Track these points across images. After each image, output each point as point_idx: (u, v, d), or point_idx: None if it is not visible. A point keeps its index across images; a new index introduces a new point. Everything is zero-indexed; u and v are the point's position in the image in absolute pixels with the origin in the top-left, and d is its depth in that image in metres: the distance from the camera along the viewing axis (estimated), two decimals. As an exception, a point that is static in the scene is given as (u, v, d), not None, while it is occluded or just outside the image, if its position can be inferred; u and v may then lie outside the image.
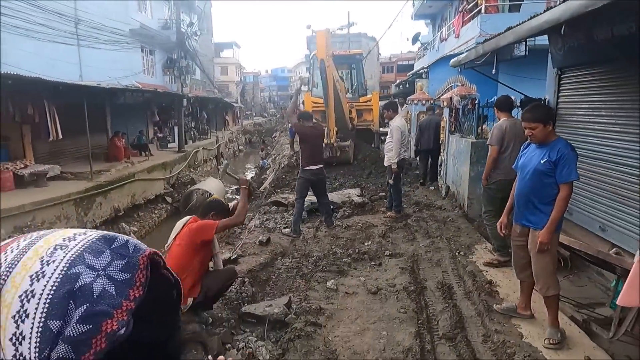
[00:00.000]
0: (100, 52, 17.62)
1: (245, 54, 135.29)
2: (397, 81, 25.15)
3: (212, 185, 15.90)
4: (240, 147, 31.24)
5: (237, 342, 3.36)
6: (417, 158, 10.20)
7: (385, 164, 6.64)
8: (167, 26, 21.11)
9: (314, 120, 6.39)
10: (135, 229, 12.24)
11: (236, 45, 48.71)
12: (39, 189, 10.13)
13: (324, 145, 6.19)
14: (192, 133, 21.89)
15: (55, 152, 12.52)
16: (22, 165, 10.62)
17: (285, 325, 3.46)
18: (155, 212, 14.17)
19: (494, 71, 5.68)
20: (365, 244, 5.56)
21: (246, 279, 4.28)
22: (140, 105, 17.24)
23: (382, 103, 12.53)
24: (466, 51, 9.93)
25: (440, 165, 8.44)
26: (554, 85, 6.11)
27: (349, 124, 12.07)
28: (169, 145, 18.23)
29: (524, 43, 6.18)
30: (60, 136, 11.28)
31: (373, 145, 13.34)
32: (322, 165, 6.20)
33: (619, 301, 2.25)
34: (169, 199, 15.32)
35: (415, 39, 17.79)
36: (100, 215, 10.89)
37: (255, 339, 3.38)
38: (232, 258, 4.77)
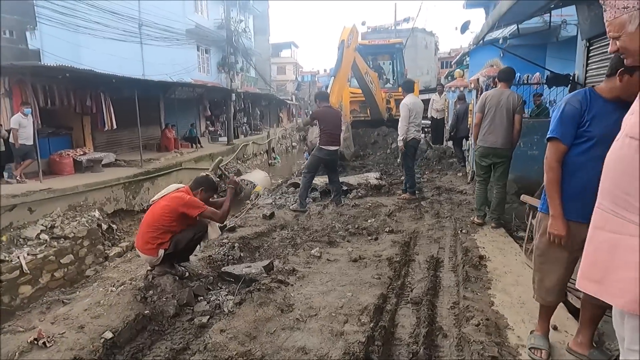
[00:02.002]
0: (160, 51, 18.92)
1: (303, 54, 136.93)
2: (446, 72, 24.29)
3: (257, 177, 16.44)
4: (293, 144, 31.81)
5: (210, 296, 3.54)
6: (453, 144, 9.89)
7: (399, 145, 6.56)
8: (222, 26, 22.14)
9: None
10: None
11: (294, 45, 49.74)
12: (94, 174, 11.13)
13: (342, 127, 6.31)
14: (243, 128, 22.70)
15: (112, 142, 13.64)
16: (82, 152, 11.71)
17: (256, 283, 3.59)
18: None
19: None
20: (369, 221, 5.53)
21: (236, 244, 4.47)
22: (192, 100, 18.26)
23: (434, 95, 12.28)
24: (509, 33, 9.50)
25: (468, 150, 8.14)
26: (582, 59, 5.74)
27: (384, 113, 11.95)
28: (220, 139, 19.09)
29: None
30: (115, 126, 12.28)
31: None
32: (338, 147, 6.29)
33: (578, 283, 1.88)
34: (215, 189, 16.02)
35: (464, 27, 17.02)
36: (147, 199, 11.70)
37: (226, 293, 3.54)
38: (228, 227, 4.99)
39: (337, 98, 9.49)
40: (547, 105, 7.70)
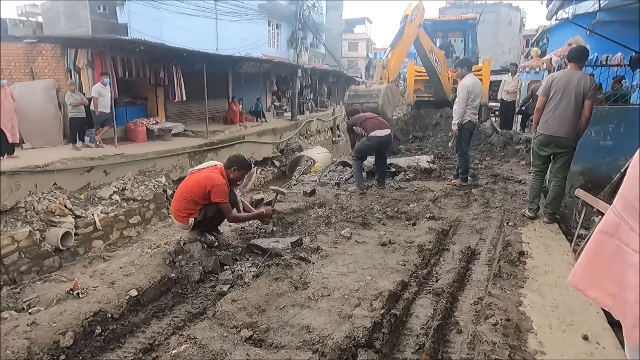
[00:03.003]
0: (233, 26, 19.44)
1: (377, 30, 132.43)
2: (526, 52, 22.32)
3: (318, 153, 16.60)
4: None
5: (236, 266, 3.67)
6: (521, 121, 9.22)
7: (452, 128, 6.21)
8: (293, 2, 22.15)
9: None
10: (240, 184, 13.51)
11: (368, 20, 48.56)
12: (164, 142, 11.88)
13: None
14: (309, 104, 22.85)
15: (183, 113, 14.41)
16: (154, 122, 12.52)
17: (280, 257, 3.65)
18: (262, 172, 15.37)
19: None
20: (410, 205, 5.35)
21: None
22: (259, 75, 18.64)
23: (506, 76, 11.43)
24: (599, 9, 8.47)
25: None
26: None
27: (449, 94, 11.35)
28: (285, 114, 19.39)
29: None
30: (185, 98, 12.94)
31: (480, 119, 12.31)
32: (390, 131, 6.11)
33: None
34: (277, 162, 16.46)
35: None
36: (210, 169, 12.33)
37: (250, 265, 3.65)
38: (265, 201, 5.09)
39: (394, 72, 9.12)
40: (629, 89, 6.78)
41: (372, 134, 5.94)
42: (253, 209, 4.17)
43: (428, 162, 7.12)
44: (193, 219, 3.64)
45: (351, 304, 2.92)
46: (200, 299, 3.18)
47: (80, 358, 2.50)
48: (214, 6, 19.13)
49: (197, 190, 3.63)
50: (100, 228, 8.65)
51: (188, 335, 2.50)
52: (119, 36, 12.14)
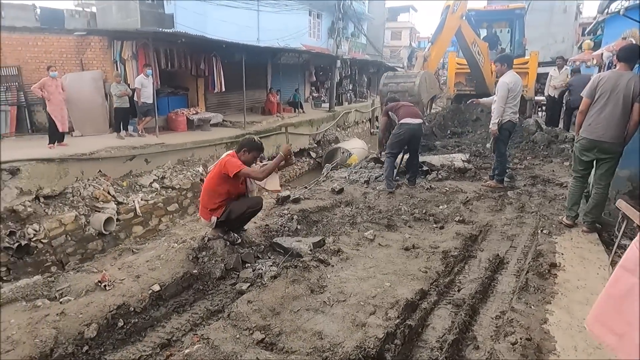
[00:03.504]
0: (274, 17, 19.50)
1: (422, 18, 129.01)
2: (580, 42, 20.90)
3: (355, 145, 16.48)
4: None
5: (257, 264, 3.72)
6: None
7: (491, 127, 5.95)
8: (334, -9, 21.90)
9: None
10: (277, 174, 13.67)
11: (413, 9, 47.32)
12: (203, 132, 12.19)
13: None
14: (348, 95, 22.66)
15: (222, 103, 14.70)
16: (194, 112, 12.86)
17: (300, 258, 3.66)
18: (298, 164, 15.46)
19: None
20: (440, 207, 5.21)
21: (295, 216, 4.58)
22: (298, 65, 18.65)
23: (552, 70, 10.82)
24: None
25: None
26: None
27: (491, 88, 10.88)
28: (323, 105, 19.35)
29: None
30: (224, 89, 13.18)
31: (525, 115, 11.73)
32: (421, 120, 5.95)
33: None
34: (313, 154, 16.50)
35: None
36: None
37: (271, 264, 3.68)
38: (292, 198, 5.11)
39: (435, 65, 8.90)
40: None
41: (403, 120, 5.85)
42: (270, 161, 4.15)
43: (463, 160, 6.87)
44: (215, 218, 3.72)
45: (366, 311, 2.89)
46: (219, 297, 3.26)
47: (102, 349, 2.63)
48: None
49: (214, 179, 3.71)
50: (140, 214, 9.04)
51: (202, 335, 2.57)
52: (161, 29, 12.46)
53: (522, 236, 4.41)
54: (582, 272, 3.54)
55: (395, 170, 6.25)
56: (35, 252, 7.30)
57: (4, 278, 6.88)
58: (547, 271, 3.49)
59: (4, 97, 10.42)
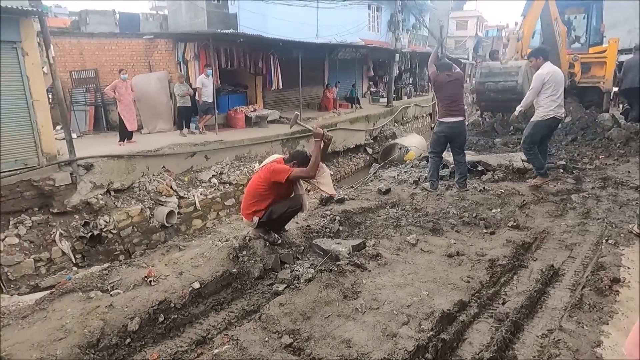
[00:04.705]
0: (333, 12, 19.47)
1: (489, 6, 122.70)
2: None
3: (413, 141, 16.10)
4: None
5: (295, 265, 3.76)
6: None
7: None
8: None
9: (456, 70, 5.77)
10: (332, 173, 13.71)
11: (480, -5, 45.01)
12: (260, 129, 12.52)
13: (465, 94, 5.61)
14: (408, 89, 22.12)
15: (279, 100, 14.99)
16: (252, 109, 13.23)
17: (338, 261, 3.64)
18: (354, 160, 15.42)
19: None
20: (493, 210, 4.91)
21: (337, 218, 4.55)
22: (356, 60, 18.49)
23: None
24: None
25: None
26: None
27: (565, 79, 10.05)
28: (381, 99, 19.06)
29: None
30: (281, 86, 13.41)
31: (602, 108, 10.72)
32: (462, 118, 5.65)
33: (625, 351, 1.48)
34: (369, 150, 16.34)
35: None
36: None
37: (309, 265, 3.70)
38: (337, 198, 5.07)
39: (528, 42, 8.60)
40: None
41: (442, 119, 5.63)
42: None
43: (523, 160, 6.41)
44: (258, 218, 3.79)
45: (399, 321, 2.80)
46: (256, 297, 3.33)
47: (143, 342, 2.79)
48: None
49: (261, 185, 3.77)
50: (200, 209, 9.51)
51: (232, 335, 2.64)
52: (225, 29, 12.92)
53: (583, 245, 4.04)
54: (649, 290, 3.17)
55: (444, 170, 6.01)
56: (106, 241, 7.94)
57: (80, 264, 7.58)
58: (607, 287, 3.17)
59: (84, 98, 11.42)
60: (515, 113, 5.92)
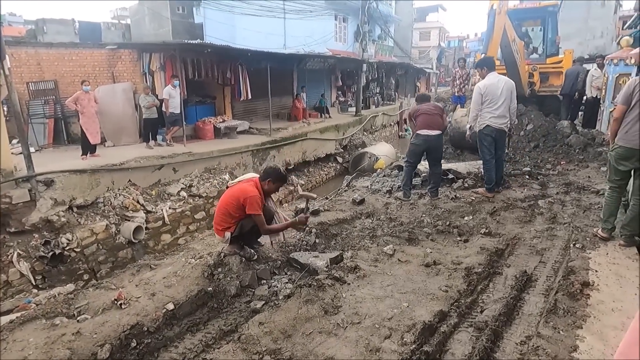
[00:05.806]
0: (300, 23, 19.58)
1: (451, 17, 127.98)
2: (619, 37, 19.80)
3: (382, 149, 16.28)
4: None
5: (273, 280, 3.67)
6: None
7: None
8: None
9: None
10: (303, 182, 13.69)
11: (442, 8, 46.52)
12: (230, 140, 12.33)
13: (442, 117, 5.73)
14: (375, 98, 22.46)
15: (248, 111, 14.85)
16: (221, 120, 13.03)
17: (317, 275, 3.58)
18: (324, 169, 15.43)
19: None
20: (465, 218, 5.01)
21: (313, 230, 4.50)
22: (324, 70, 18.63)
23: (593, 69, 10.32)
24: None
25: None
26: None
27: (526, 89, 10.48)
28: (349, 109, 19.25)
29: None
30: (250, 97, 13.30)
31: (559, 117, 11.20)
32: (439, 132, 5.75)
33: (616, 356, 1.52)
34: (339, 159, 16.40)
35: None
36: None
37: (287, 280, 3.63)
38: (311, 210, 5.02)
39: None
40: None
41: (420, 132, 5.70)
42: (288, 219, 4.13)
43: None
44: (229, 233, 3.70)
45: (381, 335, 2.78)
46: (234, 315, 3.22)
47: (115, 371, 2.63)
48: (282, 6, 19.41)
49: (232, 202, 3.68)
50: (169, 223, 9.22)
51: (210, 359, 2.53)
52: (191, 39, 12.73)
53: (552, 250, 4.17)
54: (618, 292, 3.29)
55: (417, 179, 6.10)
56: (68, 260, 7.55)
57: (40, 286, 7.15)
58: (578, 291, 3.26)
59: (42, 111, 10.91)
60: (468, 132, 6.00)
